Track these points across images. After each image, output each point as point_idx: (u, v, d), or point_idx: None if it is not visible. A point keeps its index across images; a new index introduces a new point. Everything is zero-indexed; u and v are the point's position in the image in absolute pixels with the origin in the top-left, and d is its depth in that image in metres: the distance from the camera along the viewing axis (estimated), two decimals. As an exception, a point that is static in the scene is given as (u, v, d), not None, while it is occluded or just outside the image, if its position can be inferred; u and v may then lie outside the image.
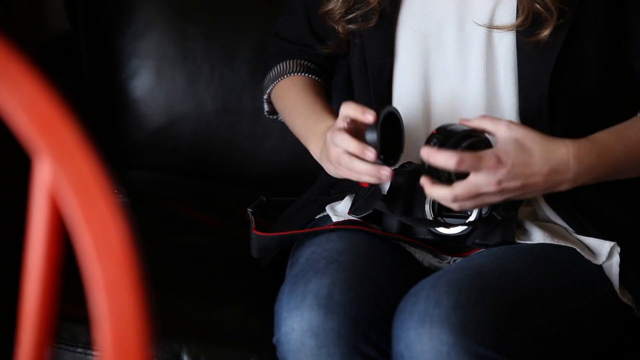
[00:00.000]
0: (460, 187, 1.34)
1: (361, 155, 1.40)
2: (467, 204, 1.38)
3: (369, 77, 1.59)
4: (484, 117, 1.39)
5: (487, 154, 1.34)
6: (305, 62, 1.75)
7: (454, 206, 1.38)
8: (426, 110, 1.56)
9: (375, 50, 1.58)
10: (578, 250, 1.49)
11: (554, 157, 1.38)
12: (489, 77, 1.51)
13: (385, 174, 1.40)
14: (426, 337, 1.30)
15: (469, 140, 1.36)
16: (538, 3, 1.45)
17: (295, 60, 1.75)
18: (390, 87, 1.58)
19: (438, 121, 1.54)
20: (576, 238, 1.52)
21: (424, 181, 1.36)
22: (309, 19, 1.71)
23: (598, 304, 1.48)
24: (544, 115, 1.49)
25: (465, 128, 1.38)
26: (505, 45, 1.50)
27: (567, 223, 1.52)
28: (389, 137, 1.42)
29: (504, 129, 1.37)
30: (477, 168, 1.33)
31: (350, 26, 1.59)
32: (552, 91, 1.49)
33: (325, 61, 1.76)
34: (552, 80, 1.48)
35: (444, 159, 1.32)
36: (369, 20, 1.57)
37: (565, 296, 1.45)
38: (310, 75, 1.73)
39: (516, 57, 1.49)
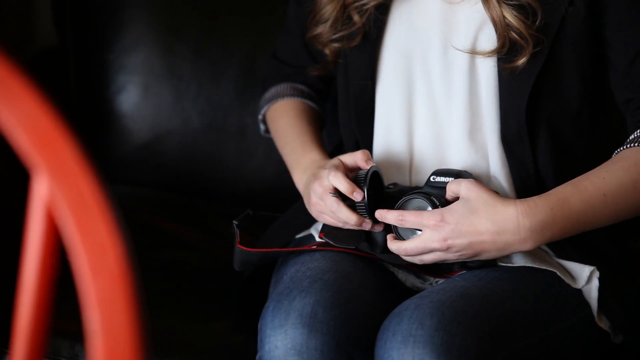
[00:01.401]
0: (409, 243, 1.43)
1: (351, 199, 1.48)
2: (426, 258, 1.44)
3: (350, 96, 1.61)
4: (450, 182, 1.45)
5: (430, 212, 1.41)
6: (300, 86, 1.77)
7: (415, 260, 1.45)
8: (409, 131, 1.57)
9: (358, 69, 1.59)
10: (558, 274, 1.51)
11: (500, 217, 1.40)
12: (472, 101, 1.53)
13: (367, 226, 1.48)
14: (409, 357, 1.31)
15: (410, 197, 1.47)
16: (514, 31, 1.47)
17: (289, 84, 1.77)
18: (372, 107, 1.59)
19: (421, 143, 1.56)
20: (557, 262, 1.54)
21: (388, 237, 1.47)
22: (304, 39, 1.73)
23: (578, 327, 1.50)
24: (524, 139, 1.50)
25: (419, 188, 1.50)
26: (487, 71, 1.51)
27: (548, 246, 1.54)
28: (369, 193, 1.48)
29: (464, 189, 1.42)
30: (420, 225, 1.41)
31: (335, 45, 1.61)
32: (531, 117, 1.50)
33: (320, 83, 1.78)
34: (530, 106, 1.50)
35: (391, 217, 1.44)
36: (353, 39, 1.59)
37: (546, 319, 1.46)
38: (303, 100, 1.75)
39: (497, 83, 1.51)
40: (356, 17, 1.58)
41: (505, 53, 1.48)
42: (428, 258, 1.44)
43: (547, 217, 1.40)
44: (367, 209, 1.46)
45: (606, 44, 1.51)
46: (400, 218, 1.43)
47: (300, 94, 1.77)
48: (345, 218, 1.47)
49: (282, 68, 1.80)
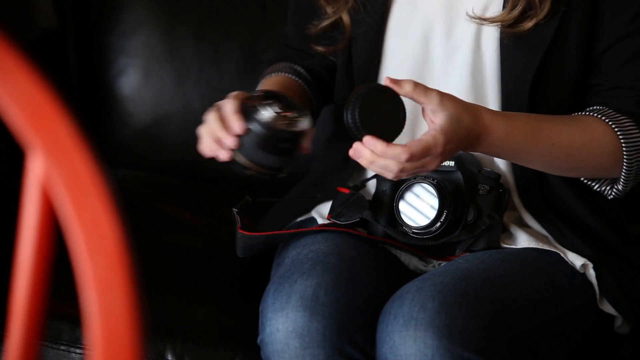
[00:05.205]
0: (414, 145, 1.31)
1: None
2: (409, 167, 1.32)
3: (354, 82, 1.58)
4: (415, 85, 1.33)
5: (433, 139, 1.32)
6: (297, 67, 1.69)
7: (394, 171, 1.32)
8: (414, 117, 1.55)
9: (362, 54, 1.57)
10: (562, 255, 1.50)
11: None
12: (474, 72, 1.50)
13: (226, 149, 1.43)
14: (410, 340, 1.31)
15: (414, 182, 1.44)
16: None
17: (286, 63, 1.70)
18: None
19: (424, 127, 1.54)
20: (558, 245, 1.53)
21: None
22: (298, 24, 1.68)
23: (582, 310, 1.49)
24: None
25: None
26: (492, 44, 1.49)
27: (548, 231, 1.52)
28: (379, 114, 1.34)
29: (436, 100, 1.33)
30: (427, 154, 1.32)
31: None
32: (534, 91, 1.49)
33: (323, 70, 1.68)
34: (533, 81, 1.48)
35: (394, 153, 1.31)
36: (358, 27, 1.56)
37: (550, 301, 1.45)
38: (295, 78, 1.67)
39: (500, 73, 1.48)
40: None
41: (513, 21, 1.45)
42: (410, 167, 1.32)
43: (500, 119, 1.39)
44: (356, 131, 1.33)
45: (595, 28, 1.50)
46: (408, 156, 1.30)
47: (294, 73, 1.66)
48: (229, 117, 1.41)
49: (284, 50, 1.77)
